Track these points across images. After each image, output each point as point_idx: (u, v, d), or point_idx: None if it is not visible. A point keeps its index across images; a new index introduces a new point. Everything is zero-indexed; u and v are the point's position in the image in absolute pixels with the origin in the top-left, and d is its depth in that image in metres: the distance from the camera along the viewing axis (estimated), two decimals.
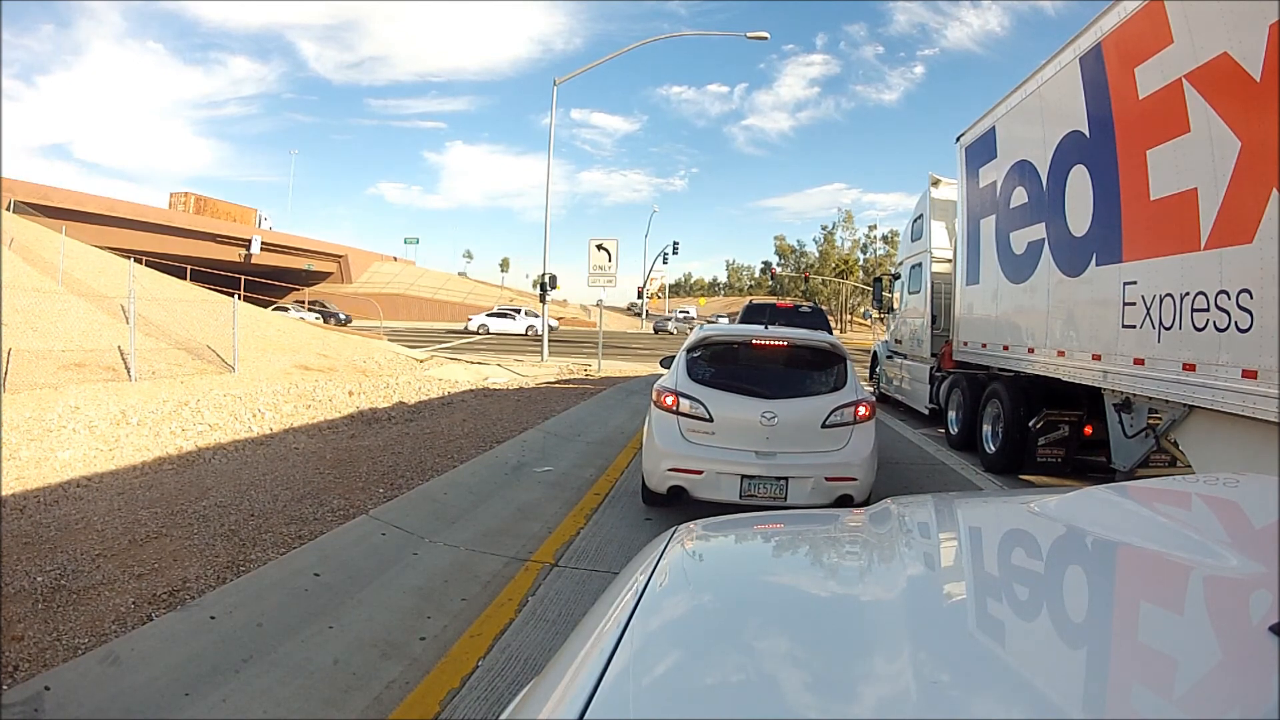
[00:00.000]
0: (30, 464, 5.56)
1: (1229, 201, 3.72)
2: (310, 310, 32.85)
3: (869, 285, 27.48)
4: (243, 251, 42.87)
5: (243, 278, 27.66)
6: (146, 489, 4.92)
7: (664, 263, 53.85)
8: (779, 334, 4.72)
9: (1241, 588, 0.85)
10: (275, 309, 29.98)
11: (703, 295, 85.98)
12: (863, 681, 0.72)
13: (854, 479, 4.26)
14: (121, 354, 10.39)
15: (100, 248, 18.98)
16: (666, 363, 5.00)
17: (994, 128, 7.15)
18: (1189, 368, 4.03)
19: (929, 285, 9.31)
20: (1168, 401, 4.34)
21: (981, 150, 7.52)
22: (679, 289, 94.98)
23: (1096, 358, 5.12)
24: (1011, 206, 6.68)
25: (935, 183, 9.50)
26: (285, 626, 2.84)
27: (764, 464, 4.20)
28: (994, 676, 0.71)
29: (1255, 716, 0.59)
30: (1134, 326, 4.62)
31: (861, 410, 4.39)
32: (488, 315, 33.98)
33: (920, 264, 9.76)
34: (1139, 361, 4.55)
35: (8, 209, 20.31)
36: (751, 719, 0.64)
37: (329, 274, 51.19)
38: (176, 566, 3.46)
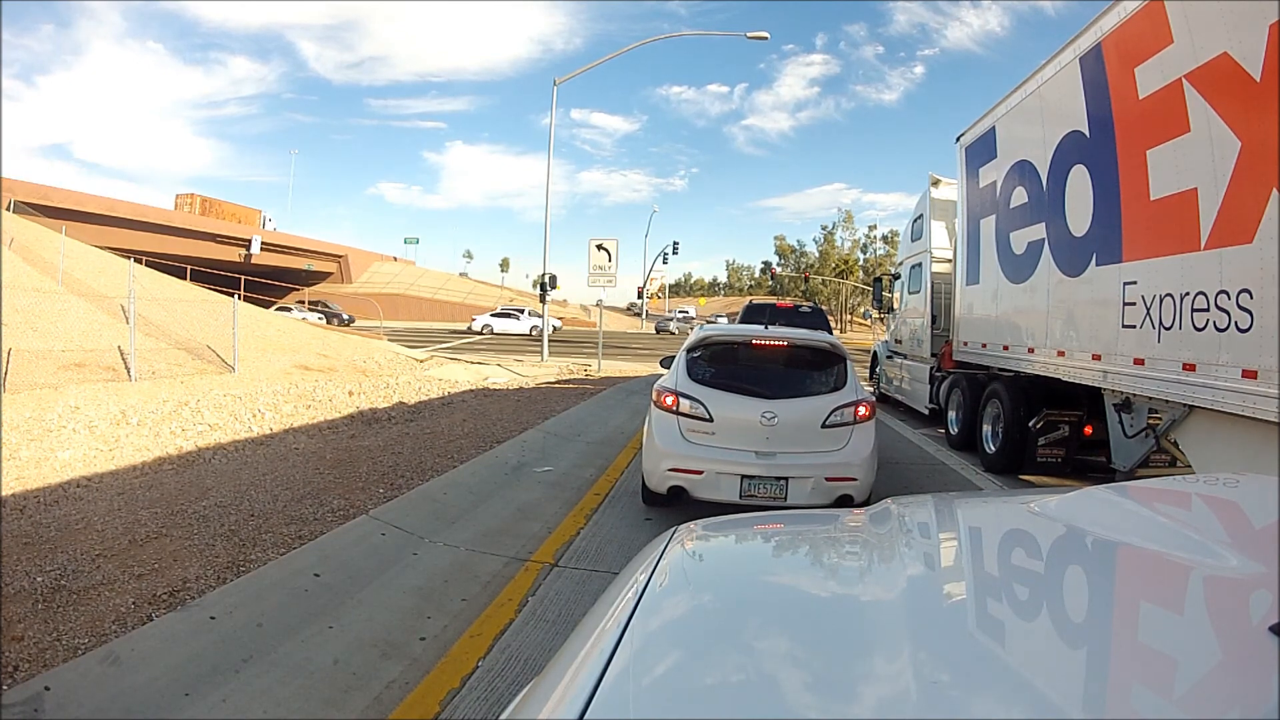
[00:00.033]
0: (30, 464, 5.56)
1: (1229, 201, 3.72)
2: (314, 311, 32.84)
3: (869, 285, 27.48)
4: (243, 251, 42.89)
5: (243, 278, 27.66)
6: (146, 489, 4.92)
7: (664, 263, 53.91)
8: (779, 334, 4.72)
9: (1241, 588, 0.85)
10: (278, 309, 30.03)
11: (703, 295, 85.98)
12: (863, 681, 0.72)
13: (854, 479, 4.26)
14: (121, 354, 10.39)
15: (100, 248, 18.99)
16: (666, 363, 5.00)
17: (994, 128, 7.15)
18: (1189, 368, 4.03)
19: (929, 285, 9.31)
20: (1168, 401, 4.34)
21: (981, 150, 7.52)
22: (679, 289, 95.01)
23: (1096, 358, 5.12)
24: (1011, 206, 6.68)
25: (935, 183, 9.49)
26: (285, 626, 2.84)
27: (764, 464, 4.20)
28: (994, 676, 0.71)
29: (1255, 716, 0.59)
30: (1134, 326, 4.62)
31: (861, 410, 4.39)
32: (491, 315, 33.99)
33: (920, 264, 9.76)
34: (1139, 361, 4.55)
35: (8, 209, 20.31)
36: (751, 719, 0.64)
37: (329, 274, 51.20)
38: (176, 567, 3.46)
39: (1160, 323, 4.33)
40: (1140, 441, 4.85)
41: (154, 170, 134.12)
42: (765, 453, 4.23)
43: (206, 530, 3.98)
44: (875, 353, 12.78)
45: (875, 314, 14.92)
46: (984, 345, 7.44)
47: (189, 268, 26.72)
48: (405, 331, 30.71)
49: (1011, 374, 6.78)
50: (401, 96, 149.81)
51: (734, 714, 0.65)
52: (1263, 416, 3.46)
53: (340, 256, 52.05)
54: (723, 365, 4.66)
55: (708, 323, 16.68)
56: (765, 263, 76.89)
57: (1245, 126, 3.59)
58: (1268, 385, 3.41)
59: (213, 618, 2.79)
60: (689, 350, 4.70)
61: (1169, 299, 4.24)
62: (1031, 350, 6.25)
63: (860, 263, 63.60)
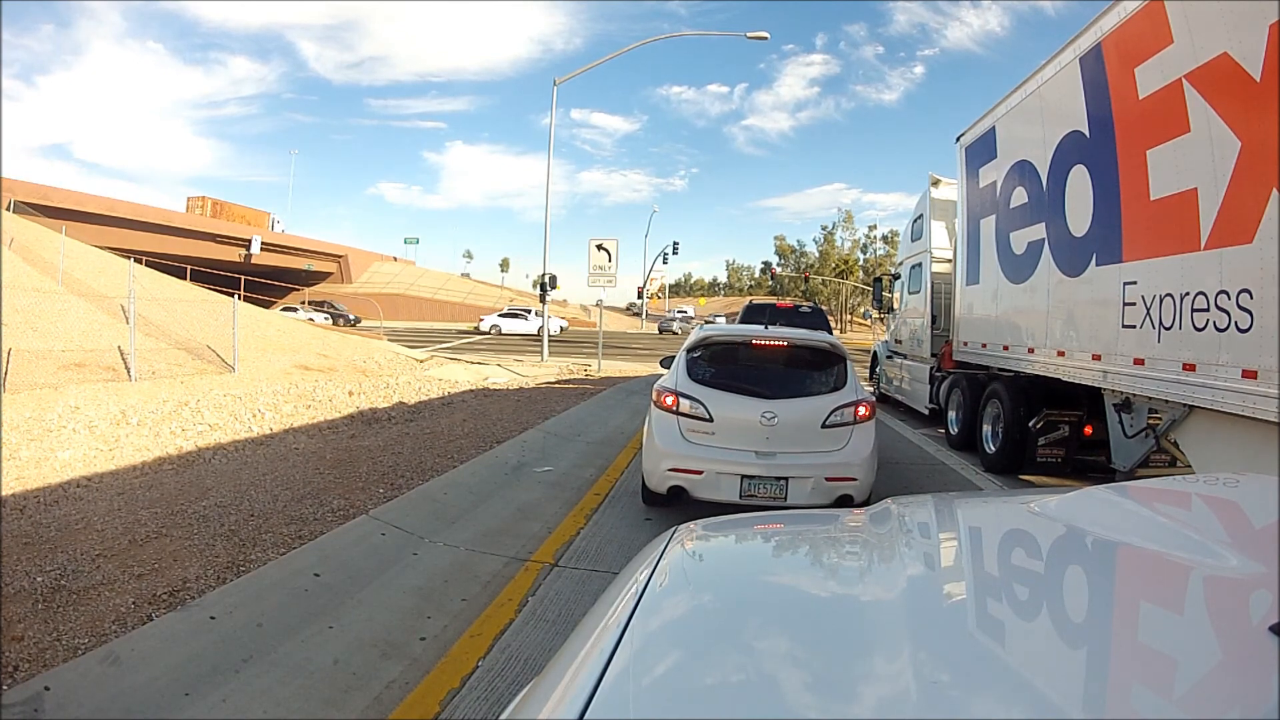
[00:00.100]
0: (30, 464, 5.56)
1: (1229, 201, 3.72)
2: (320, 311, 32.85)
3: (869, 285, 27.48)
4: (243, 251, 42.90)
5: (243, 278, 27.68)
6: (146, 489, 4.92)
7: (664, 263, 53.89)
8: (779, 334, 4.72)
9: (1241, 588, 0.85)
10: (284, 309, 30.07)
11: (703, 295, 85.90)
12: (863, 681, 0.72)
13: (854, 479, 4.26)
14: (121, 354, 10.39)
15: (100, 248, 18.98)
16: (666, 363, 5.00)
17: (994, 128, 7.15)
18: (1189, 368, 4.03)
19: (929, 285, 9.31)
20: (1168, 401, 4.34)
21: (981, 150, 7.52)
22: (679, 289, 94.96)
23: (1096, 358, 5.13)
24: (1011, 206, 6.68)
25: (935, 183, 9.50)
26: (285, 626, 2.84)
27: (764, 464, 4.20)
28: (994, 676, 0.71)
29: (1255, 716, 0.59)
30: (1134, 326, 4.62)
31: (861, 410, 4.39)
32: (499, 316, 34.03)
33: (920, 264, 9.77)
34: (1139, 361, 4.55)
35: (8, 209, 20.32)
36: (751, 719, 0.64)
37: (329, 274, 51.20)
38: (176, 566, 3.46)
39: (1160, 323, 4.33)
40: (1140, 441, 4.85)
41: (154, 170, 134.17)
42: (765, 453, 4.23)
43: (206, 530, 3.98)
44: (875, 353, 12.78)
45: (875, 314, 14.92)
46: (984, 345, 7.44)
47: (189, 268, 26.73)
48: (405, 331, 30.72)
49: (1011, 374, 6.78)
50: (401, 96, 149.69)
51: (734, 714, 0.65)
52: (1263, 416, 3.46)
53: (340, 256, 52.05)
54: (723, 365, 4.66)
55: (706, 322, 16.69)
56: (765, 263, 76.89)
57: (1245, 126, 3.59)
58: (1268, 385, 3.41)
59: (213, 618, 2.79)
60: (689, 350, 4.70)
61: (1169, 299, 4.24)
62: (1031, 350, 6.25)
63: (860, 263, 63.55)
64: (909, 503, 1.43)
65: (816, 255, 65.57)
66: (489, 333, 31.99)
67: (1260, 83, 3.43)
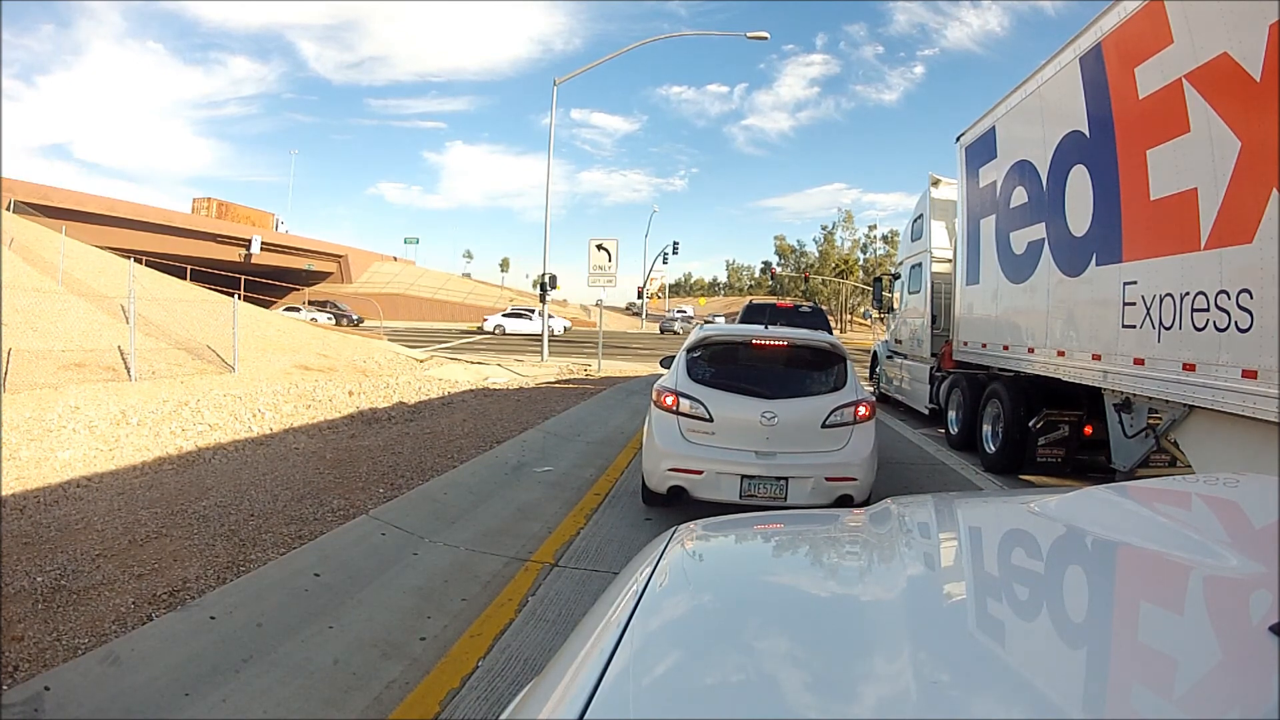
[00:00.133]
0: (30, 464, 5.56)
1: (1229, 201, 3.72)
2: (323, 311, 32.84)
3: (869, 285, 27.47)
4: (243, 251, 42.90)
5: (243, 278, 27.66)
6: (146, 489, 4.92)
7: (664, 263, 53.84)
8: (779, 334, 4.72)
9: (1241, 588, 0.85)
10: (287, 309, 30.08)
11: (703, 295, 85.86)
12: (863, 681, 0.72)
13: (854, 479, 4.26)
14: (121, 354, 10.39)
15: (100, 248, 18.99)
16: (666, 363, 5.00)
17: (994, 128, 7.15)
18: (1189, 368, 4.03)
19: (929, 285, 9.31)
20: (1168, 401, 4.34)
21: (981, 150, 7.52)
22: (679, 289, 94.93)
23: (1096, 358, 5.13)
24: (1011, 206, 6.68)
25: (935, 183, 9.49)
26: (285, 626, 2.84)
27: (764, 464, 4.20)
28: (994, 676, 0.71)
29: (1255, 717, 0.59)
30: (1134, 326, 4.62)
31: (861, 410, 4.39)
32: (503, 315, 34.08)
33: (920, 264, 9.77)
34: (1139, 361, 4.55)
35: (8, 209, 20.32)
36: (751, 719, 0.64)
37: (329, 274, 51.19)
38: (176, 566, 3.46)
39: (1160, 323, 4.33)
40: (1140, 441, 4.85)
41: (154, 170, 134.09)
42: (765, 453, 4.23)
43: (206, 530, 3.98)
44: (875, 353, 12.78)
45: (875, 314, 14.92)
46: (984, 345, 7.44)
47: (189, 268, 26.72)
48: (405, 331, 30.72)
49: (1011, 374, 6.78)
50: (401, 96, 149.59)
51: (734, 714, 0.65)
52: (1263, 416, 3.46)
53: (340, 256, 52.04)
54: (723, 365, 4.66)
55: (706, 322, 16.69)
56: (765, 263, 76.85)
57: (1245, 126, 3.59)
58: (1268, 385, 3.41)
59: (213, 618, 2.79)
60: (689, 350, 4.70)
61: (1169, 299, 4.24)
62: (1031, 350, 6.26)
63: (860, 263, 63.53)
64: (909, 503, 1.43)
65: (816, 255, 65.56)
66: (493, 333, 32.02)
67: (1260, 83, 3.43)
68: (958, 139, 8.20)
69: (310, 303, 35.26)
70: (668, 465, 4.32)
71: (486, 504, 4.80)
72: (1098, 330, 5.13)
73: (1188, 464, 4.42)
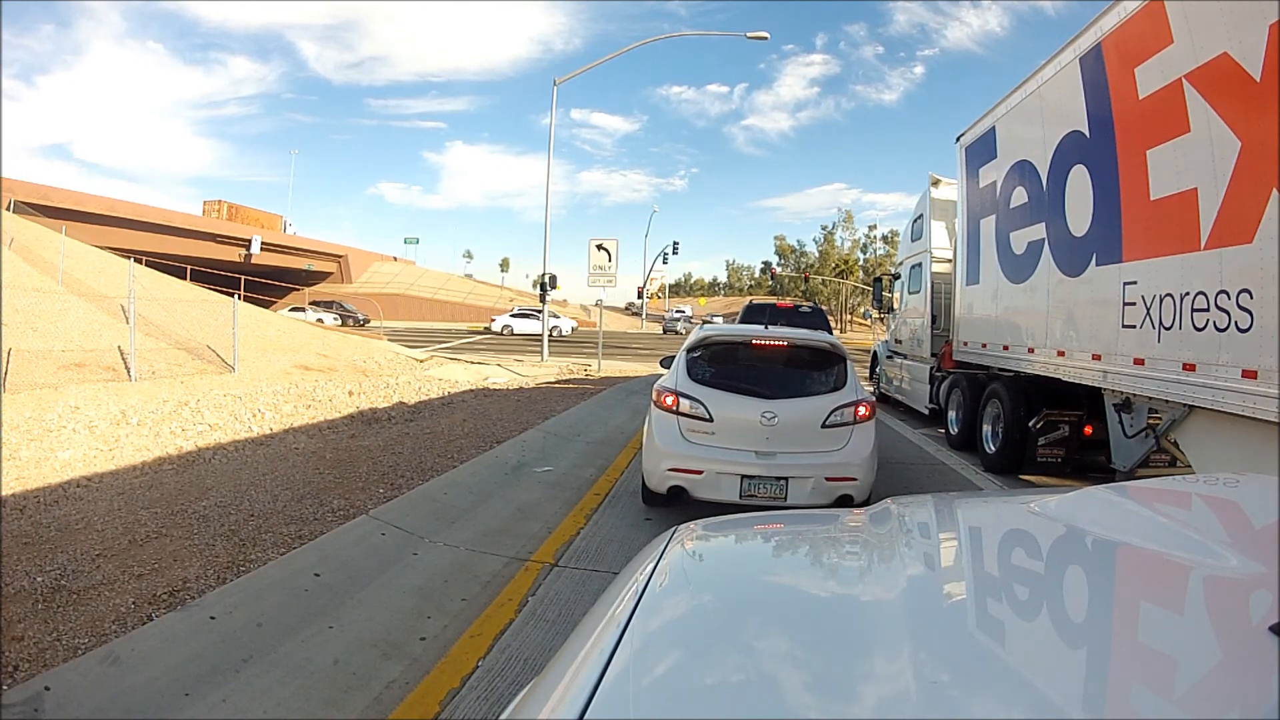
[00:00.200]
0: (30, 464, 5.56)
1: (1229, 201, 3.72)
2: (328, 312, 32.83)
3: (869, 285, 27.47)
4: (243, 252, 42.91)
5: (243, 278, 27.61)
6: (146, 489, 4.92)
7: (664, 263, 53.82)
8: (779, 334, 4.72)
9: (1241, 588, 0.85)
10: (292, 309, 30.07)
11: (703, 295, 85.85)
12: (863, 681, 0.72)
13: (854, 479, 4.26)
14: (121, 354, 10.39)
15: (100, 248, 18.98)
16: (666, 363, 5.00)
17: (994, 128, 7.15)
18: (1189, 368, 4.03)
19: (929, 285, 9.31)
20: (1168, 401, 4.34)
21: (981, 150, 7.52)
22: (679, 289, 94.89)
23: (1096, 358, 5.13)
24: (1011, 206, 6.68)
25: (935, 183, 9.50)
26: (285, 626, 2.84)
27: (764, 464, 4.20)
28: (994, 676, 0.71)
29: (1255, 717, 0.59)
30: (1134, 326, 4.62)
31: (861, 410, 4.39)
32: (510, 316, 34.13)
33: (920, 264, 9.77)
34: (1139, 361, 4.55)
35: (8, 209, 20.31)
36: (751, 719, 0.64)
37: (329, 274, 51.20)
38: (176, 566, 3.46)
39: (1160, 323, 4.33)
40: (1140, 441, 4.85)
41: (154, 170, 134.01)
42: (765, 453, 4.23)
43: (206, 530, 3.98)
44: (875, 353, 12.79)
45: (875, 314, 14.92)
46: (984, 345, 7.44)
47: (189, 268, 26.71)
48: (405, 331, 30.72)
49: (1011, 374, 6.78)
50: (401, 96, 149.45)
51: (734, 714, 0.65)
52: (1263, 416, 3.46)
53: (340, 256, 52.04)
54: (723, 365, 4.66)
55: (705, 322, 16.70)
56: (765, 263, 76.86)
57: (1245, 126, 3.59)
58: (1268, 385, 3.41)
59: (213, 618, 2.79)
60: (689, 350, 4.71)
61: (1169, 299, 4.24)
62: (1031, 350, 6.26)
63: (860, 263, 63.54)
64: (909, 503, 1.43)
65: (816, 255, 65.57)
66: (501, 333, 32.05)
67: (1260, 83, 3.43)
68: (958, 139, 8.20)
69: (315, 303, 35.19)
70: (668, 465, 4.32)
71: (486, 504, 4.80)
72: (1098, 330, 5.13)
73: (1188, 464, 4.42)
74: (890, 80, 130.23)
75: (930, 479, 6.38)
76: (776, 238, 74.27)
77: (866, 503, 4.14)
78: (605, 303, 18.79)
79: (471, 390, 11.18)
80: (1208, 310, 3.88)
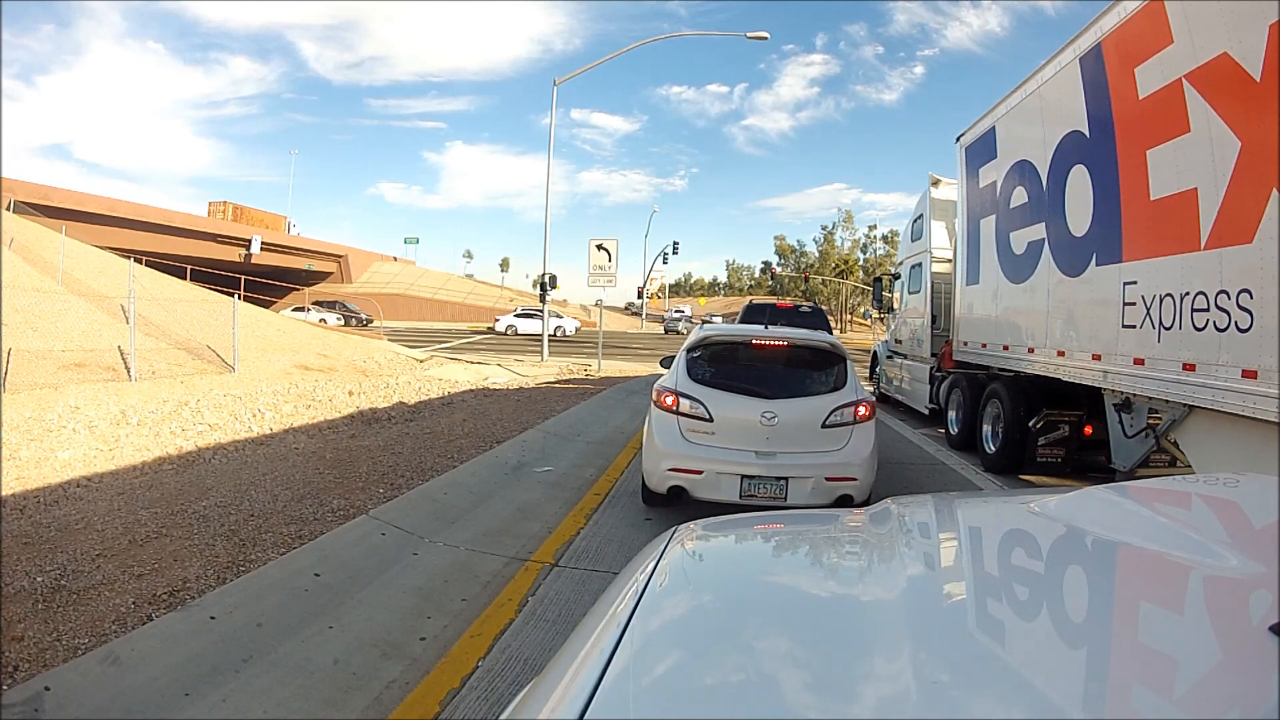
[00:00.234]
0: (30, 464, 5.56)
1: (1229, 201, 3.72)
2: (331, 312, 32.81)
3: (869, 285, 27.47)
4: (243, 252, 42.90)
5: (243, 278, 27.61)
6: (146, 489, 4.92)
7: (664, 263, 53.82)
8: (779, 334, 4.72)
9: (1241, 588, 0.85)
10: (294, 309, 30.05)
11: (703, 295, 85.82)
12: (863, 681, 0.72)
13: (854, 479, 4.26)
14: (121, 354, 10.39)
15: (100, 248, 18.98)
16: (666, 363, 5.00)
17: (994, 128, 7.15)
18: (1189, 368, 4.03)
19: (929, 285, 9.31)
20: (1168, 401, 4.34)
21: (981, 150, 7.52)
22: (679, 289, 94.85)
23: (1096, 358, 5.13)
24: (1011, 206, 6.68)
25: (935, 183, 9.50)
26: (285, 626, 2.84)
27: (764, 464, 4.20)
28: (994, 676, 0.71)
29: (1255, 717, 0.59)
30: (1134, 326, 4.62)
31: (861, 410, 4.39)
32: (515, 316, 34.14)
33: (920, 264, 9.77)
34: (1139, 361, 4.55)
35: (8, 209, 20.32)
36: (751, 719, 0.64)
37: (329, 274, 51.20)
38: (176, 566, 3.46)
39: (1160, 323, 4.33)
40: (1140, 441, 4.85)
41: (154, 170, 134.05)
42: (765, 453, 4.23)
43: (206, 530, 3.98)
44: (875, 353, 12.78)
45: (875, 314, 14.92)
46: (984, 345, 7.44)
47: (189, 268, 26.71)
48: (405, 331, 30.72)
49: (1011, 374, 6.78)
50: (401, 96, 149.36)
51: (734, 714, 0.65)
52: (1263, 416, 3.46)
53: (340, 256, 52.03)
54: (723, 365, 4.66)
55: (705, 322, 16.70)
56: (765, 263, 76.82)
57: (1245, 126, 3.59)
58: (1268, 385, 3.41)
59: (213, 618, 2.79)
60: (689, 350, 4.71)
61: (1169, 299, 4.24)
62: (1031, 350, 6.26)
63: (860, 263, 63.52)
64: (909, 503, 1.43)
65: (816, 255, 65.54)
66: (505, 333, 32.06)
67: (1260, 83, 3.43)
68: (958, 139, 8.20)
69: (317, 303, 35.16)
70: (668, 465, 4.32)
71: (486, 504, 4.80)
72: (1098, 330, 5.13)
73: (1188, 464, 4.42)
74: (890, 80, 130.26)
75: (930, 479, 6.38)
76: (776, 238, 74.32)
77: (866, 503, 4.14)
78: (605, 303, 18.79)
79: (471, 390, 11.18)
80: (1208, 310, 3.88)
